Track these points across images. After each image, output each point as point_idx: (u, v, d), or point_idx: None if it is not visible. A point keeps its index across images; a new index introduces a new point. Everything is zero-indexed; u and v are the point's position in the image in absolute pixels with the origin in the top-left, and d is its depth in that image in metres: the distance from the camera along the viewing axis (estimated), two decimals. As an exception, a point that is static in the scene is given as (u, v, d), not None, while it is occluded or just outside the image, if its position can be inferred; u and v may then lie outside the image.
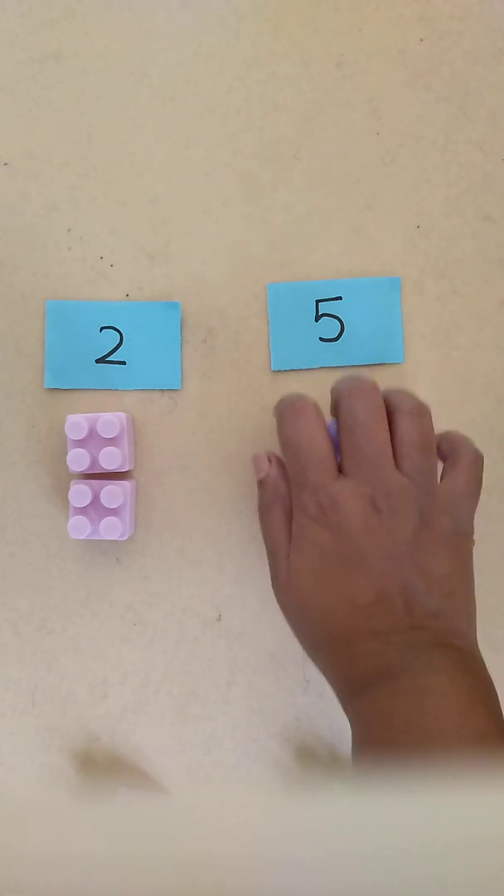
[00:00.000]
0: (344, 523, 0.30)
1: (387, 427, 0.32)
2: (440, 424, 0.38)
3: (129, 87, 0.38)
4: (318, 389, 0.38)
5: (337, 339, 0.38)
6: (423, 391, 0.38)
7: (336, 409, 0.33)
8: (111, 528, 0.35)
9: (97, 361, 0.37)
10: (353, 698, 0.30)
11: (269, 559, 0.33)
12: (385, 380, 0.38)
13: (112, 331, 0.37)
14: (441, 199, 0.38)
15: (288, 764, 0.38)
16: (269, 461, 0.33)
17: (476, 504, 0.33)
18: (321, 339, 0.38)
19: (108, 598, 0.37)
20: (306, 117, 0.38)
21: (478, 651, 0.31)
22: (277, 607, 0.33)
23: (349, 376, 0.33)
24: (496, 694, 0.30)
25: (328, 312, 0.37)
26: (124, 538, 0.35)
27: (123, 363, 0.37)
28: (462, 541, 0.32)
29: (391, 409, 0.32)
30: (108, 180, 0.38)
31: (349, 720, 0.30)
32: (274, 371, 0.38)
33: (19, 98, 0.38)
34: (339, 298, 0.37)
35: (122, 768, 0.37)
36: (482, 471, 0.33)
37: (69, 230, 0.38)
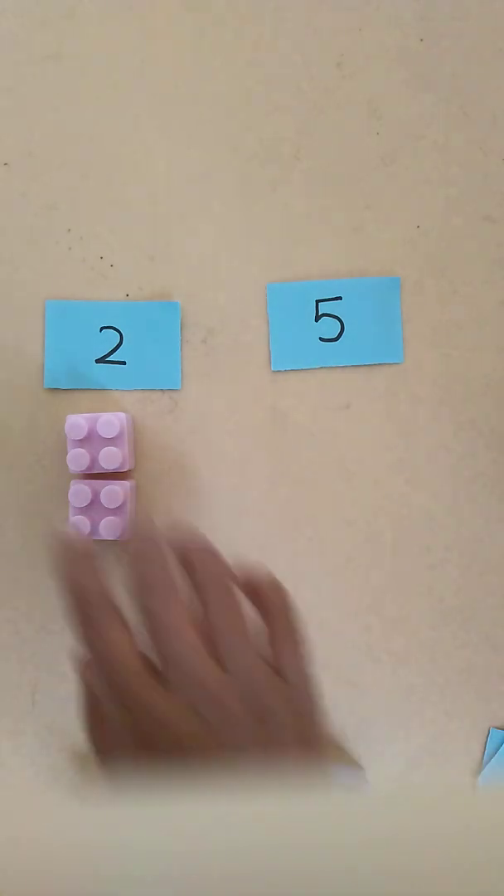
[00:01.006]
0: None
1: (188, 615, 0.27)
2: (440, 424, 0.38)
3: (129, 87, 0.38)
4: (318, 389, 0.38)
5: (337, 339, 0.38)
6: (423, 391, 0.38)
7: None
8: (111, 528, 0.35)
9: (97, 361, 0.37)
10: None
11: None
12: (385, 380, 0.38)
13: (112, 331, 0.37)
14: (441, 199, 0.38)
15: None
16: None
17: (307, 659, 0.29)
18: (321, 339, 0.38)
19: (108, 598, 0.37)
20: (306, 117, 0.38)
21: None
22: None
23: (141, 540, 0.28)
24: None
25: (328, 312, 0.37)
26: (124, 538, 0.35)
27: (123, 363, 0.37)
28: (311, 739, 0.27)
29: (198, 586, 0.28)
30: (108, 180, 0.38)
31: None
32: (274, 371, 0.38)
33: (19, 98, 0.38)
34: (339, 298, 0.37)
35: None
36: (297, 618, 0.29)
37: (69, 230, 0.38)
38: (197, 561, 0.28)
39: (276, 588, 0.30)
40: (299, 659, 0.28)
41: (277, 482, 0.38)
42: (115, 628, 0.27)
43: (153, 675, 0.26)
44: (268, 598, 0.30)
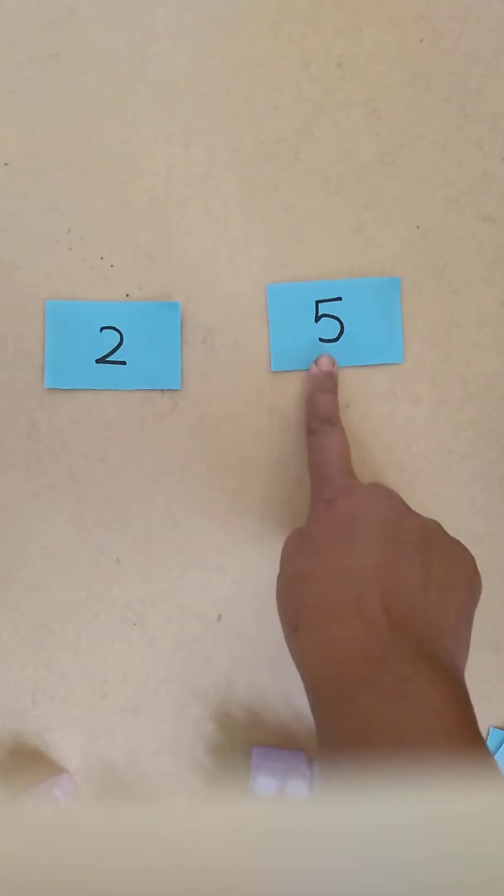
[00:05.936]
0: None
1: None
2: (440, 424, 0.38)
3: (129, 87, 0.38)
4: (318, 389, 0.38)
5: (337, 339, 0.38)
6: (423, 391, 0.38)
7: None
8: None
9: (97, 361, 0.37)
10: (330, 693, 0.28)
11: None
12: (385, 380, 0.38)
13: (112, 331, 0.37)
14: (441, 199, 0.38)
15: (288, 764, 0.38)
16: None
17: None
18: (321, 339, 0.38)
19: (108, 598, 0.37)
20: (306, 117, 0.38)
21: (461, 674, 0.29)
22: (277, 607, 0.33)
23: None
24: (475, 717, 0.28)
25: (328, 313, 0.37)
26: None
27: (123, 363, 0.37)
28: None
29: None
30: (108, 180, 0.38)
31: (316, 715, 0.29)
32: (274, 371, 0.38)
33: (19, 98, 0.38)
34: (339, 299, 0.37)
35: (121, 769, 0.37)
36: None
37: (69, 230, 0.38)
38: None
39: None
40: None
41: (277, 482, 0.38)
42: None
43: None
44: None
